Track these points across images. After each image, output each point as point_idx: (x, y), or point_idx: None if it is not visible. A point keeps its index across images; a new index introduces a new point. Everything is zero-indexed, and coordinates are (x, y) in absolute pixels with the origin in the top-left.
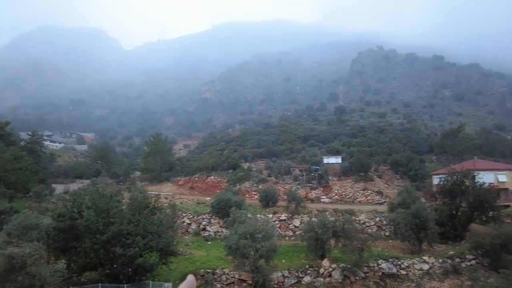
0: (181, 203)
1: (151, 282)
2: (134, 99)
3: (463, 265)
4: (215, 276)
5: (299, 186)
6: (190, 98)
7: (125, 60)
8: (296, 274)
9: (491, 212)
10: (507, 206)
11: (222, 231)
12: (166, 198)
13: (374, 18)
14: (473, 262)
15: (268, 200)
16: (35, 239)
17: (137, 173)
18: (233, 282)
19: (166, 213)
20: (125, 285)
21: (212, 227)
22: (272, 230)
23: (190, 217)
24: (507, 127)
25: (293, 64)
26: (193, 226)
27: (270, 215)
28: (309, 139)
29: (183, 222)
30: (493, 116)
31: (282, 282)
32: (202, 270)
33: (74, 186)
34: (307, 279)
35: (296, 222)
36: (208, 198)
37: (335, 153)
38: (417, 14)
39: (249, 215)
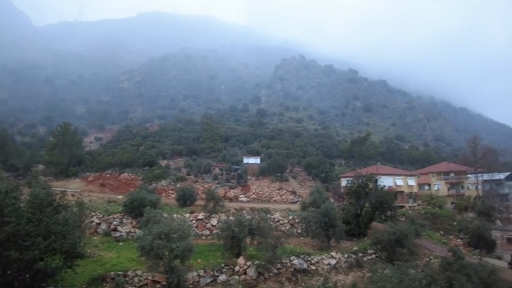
0: (90, 201)
1: None
2: (42, 83)
3: (365, 259)
4: (127, 279)
5: (218, 185)
6: (106, 87)
7: (34, 38)
8: (212, 273)
9: (389, 212)
10: (402, 207)
11: (135, 232)
12: (73, 195)
13: (299, 27)
14: (373, 256)
15: (185, 199)
16: None
17: (41, 167)
18: (146, 284)
19: (72, 212)
20: None
21: (124, 227)
22: (188, 229)
23: (100, 216)
24: (406, 138)
25: (219, 62)
26: (103, 226)
27: (187, 215)
28: (230, 139)
29: (92, 222)
30: (395, 127)
31: (197, 281)
32: (112, 272)
33: None
34: (222, 277)
35: (214, 221)
36: (120, 197)
37: (255, 153)
38: (338, 30)
39: (165, 215)
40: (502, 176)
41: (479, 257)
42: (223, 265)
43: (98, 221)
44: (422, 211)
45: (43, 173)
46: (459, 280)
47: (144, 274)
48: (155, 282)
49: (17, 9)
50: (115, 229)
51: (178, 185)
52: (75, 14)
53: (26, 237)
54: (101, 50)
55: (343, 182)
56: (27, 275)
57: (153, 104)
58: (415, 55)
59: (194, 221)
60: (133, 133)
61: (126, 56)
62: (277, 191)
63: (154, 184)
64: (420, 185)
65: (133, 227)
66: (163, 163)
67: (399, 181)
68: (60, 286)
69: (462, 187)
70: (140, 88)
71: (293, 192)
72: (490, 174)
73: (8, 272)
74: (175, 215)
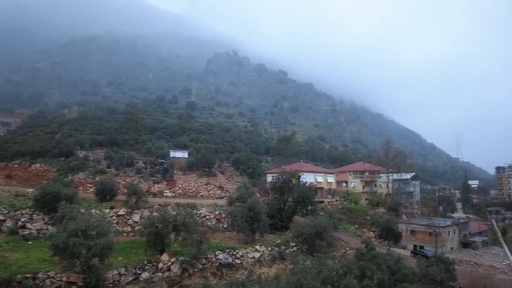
0: None
1: None
2: None
3: (287, 251)
4: (37, 282)
5: (141, 180)
6: (18, 66)
7: None
8: (134, 271)
9: (310, 207)
10: (322, 202)
11: (47, 229)
12: None
13: (233, 23)
14: (295, 248)
15: (105, 194)
16: None
17: None
18: (60, 286)
19: None
20: None
21: (35, 224)
22: (108, 226)
23: (5, 212)
24: (327, 138)
25: (148, 49)
26: (8, 223)
27: (107, 210)
28: (156, 131)
29: None
30: (318, 128)
31: (118, 280)
32: (19, 275)
33: None
34: (145, 275)
35: (136, 217)
36: (30, 190)
37: (183, 147)
38: (270, 30)
39: (82, 210)
40: (408, 176)
41: (387, 247)
42: (145, 262)
43: (3, 218)
44: (340, 206)
45: None
46: (371, 268)
47: (58, 275)
48: (70, 283)
49: None
50: (23, 226)
51: (97, 178)
52: None
53: None
54: (13, 23)
55: (269, 178)
56: None
57: (73, 89)
58: (340, 62)
59: (114, 217)
60: (48, 119)
61: (44, 33)
62: (204, 186)
63: (70, 177)
64: (338, 182)
65: (45, 223)
66: (81, 154)
67: (320, 178)
68: None
69: (375, 185)
70: (59, 70)
71: (221, 187)
72: (399, 174)
73: None
74: (93, 211)
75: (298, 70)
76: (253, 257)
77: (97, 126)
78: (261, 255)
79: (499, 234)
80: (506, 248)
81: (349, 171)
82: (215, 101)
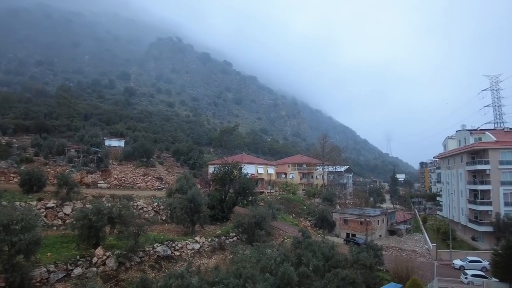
0: None
1: None
2: None
3: (227, 241)
4: None
5: (73, 169)
6: None
7: None
8: (65, 267)
9: (250, 197)
10: (262, 193)
11: None
12: None
13: (178, 8)
14: (235, 238)
15: (32, 185)
16: None
17: None
18: None
19: None
20: None
21: None
22: (35, 219)
23: None
24: (269, 131)
25: (85, 29)
26: None
27: (34, 202)
28: (91, 117)
29: None
30: (260, 121)
31: (46, 278)
32: None
33: None
34: (77, 271)
35: (67, 210)
36: None
37: (119, 136)
38: (216, 19)
39: (4, 203)
40: (342, 169)
41: (322, 235)
42: (78, 257)
43: None
44: (279, 197)
45: None
46: (307, 255)
47: None
48: None
49: None
50: None
51: (22, 168)
52: None
53: None
54: None
55: (211, 169)
56: None
57: None
58: (283, 57)
59: (42, 210)
60: None
61: None
62: (142, 177)
63: None
64: (278, 174)
65: None
66: (3, 140)
67: (261, 170)
68: None
69: (312, 177)
70: None
71: (160, 179)
72: (334, 167)
73: None
74: (17, 203)
75: (243, 62)
76: (193, 249)
77: (24, 110)
78: (200, 246)
79: (420, 222)
80: (425, 234)
81: (288, 163)
82: (155, 88)
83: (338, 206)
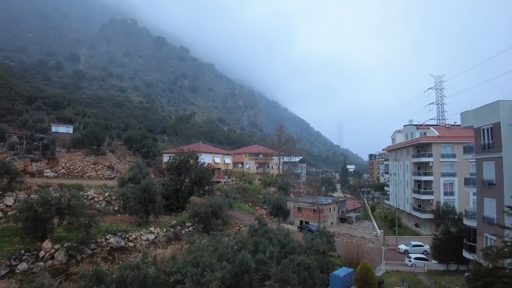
0: None
1: None
2: None
3: (183, 231)
4: None
5: (15, 157)
6: None
7: None
8: (8, 262)
9: (207, 187)
10: (219, 182)
11: None
12: None
13: None
14: (191, 228)
15: None
16: None
17: None
18: None
19: None
20: None
21: None
22: None
23: None
24: (226, 121)
25: (28, 4)
26: None
27: None
28: (35, 101)
29: None
30: (217, 110)
31: None
32: None
33: None
34: (22, 266)
35: (9, 201)
36: None
37: (67, 121)
38: (175, 4)
39: None
40: (297, 159)
41: (277, 223)
42: (23, 251)
43: None
44: (235, 186)
45: None
46: (263, 243)
47: None
48: None
49: None
50: None
51: None
52: None
53: None
54: None
55: (165, 158)
56: None
57: None
58: (241, 46)
59: None
60: None
61: None
62: (92, 165)
63: None
64: (235, 164)
65: None
66: None
67: (218, 159)
68: None
69: (268, 167)
70: None
71: (111, 167)
72: (289, 157)
73: None
74: None
75: (200, 49)
76: (148, 239)
77: None
78: (155, 237)
79: (369, 210)
80: (374, 222)
81: (245, 153)
82: (107, 72)
83: (292, 195)
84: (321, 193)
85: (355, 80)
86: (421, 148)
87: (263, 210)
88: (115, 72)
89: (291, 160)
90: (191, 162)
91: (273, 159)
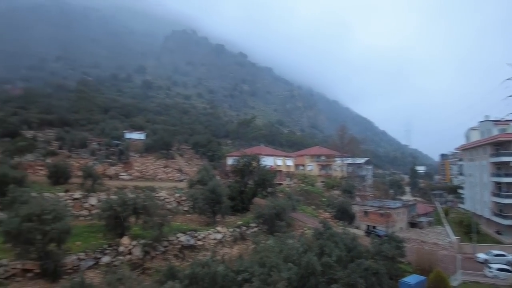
0: None
1: None
2: None
3: (248, 232)
4: None
5: (96, 162)
6: None
7: None
8: (94, 255)
9: (269, 189)
10: (280, 184)
11: None
12: None
13: (191, 1)
14: (255, 229)
15: (58, 176)
16: None
17: None
18: (14, 274)
19: None
20: None
21: None
22: (64, 209)
23: None
24: (285, 123)
25: (101, 23)
26: None
27: (61, 194)
28: (110, 111)
29: None
30: (276, 113)
31: (77, 265)
32: None
33: None
34: (106, 259)
35: (93, 201)
36: None
37: (139, 128)
38: (231, 10)
39: (34, 194)
40: (362, 160)
41: (342, 227)
42: (106, 246)
43: None
44: (298, 188)
45: None
46: (329, 246)
47: (12, 263)
48: (26, 270)
49: None
50: None
51: (48, 160)
52: None
53: None
54: None
55: (229, 161)
56: None
57: (16, 63)
58: (299, 48)
59: (70, 201)
60: None
61: None
62: (162, 169)
63: (18, 159)
64: (296, 166)
65: None
66: (29, 134)
67: (279, 162)
68: None
69: (331, 169)
70: None
71: (180, 170)
72: (353, 159)
73: None
74: (47, 194)
75: (258, 53)
76: (215, 239)
77: (46, 105)
78: (223, 237)
79: (442, 215)
80: (447, 227)
81: (307, 155)
82: (172, 81)
83: (358, 198)
84: (389, 196)
85: (421, 74)
86: (501, 146)
87: (326, 213)
88: (179, 80)
89: (355, 162)
90: (254, 165)
91: (336, 160)
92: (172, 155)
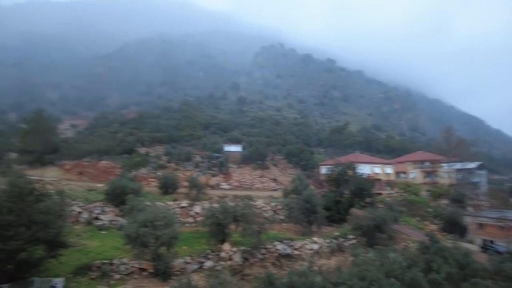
0: (69, 190)
1: (36, 279)
2: (10, 67)
3: (346, 244)
4: (113, 267)
5: (200, 173)
6: (80, 72)
7: (1, 17)
8: (198, 259)
9: (368, 199)
10: (380, 194)
11: (117, 220)
12: (51, 184)
13: (278, 16)
14: (354, 241)
15: (167, 187)
16: None
17: (14, 155)
18: (133, 272)
19: (54, 201)
20: (5, 285)
21: (106, 215)
22: (173, 217)
23: (81, 205)
24: (382, 127)
25: (197, 48)
26: (85, 215)
27: (170, 202)
28: (210, 127)
29: (73, 210)
30: (371, 117)
31: (184, 268)
32: (97, 261)
33: None
34: (209, 263)
35: (197, 209)
36: (100, 185)
37: (235, 141)
38: (316, 20)
39: (148, 203)
40: (473, 165)
41: (452, 241)
42: (209, 251)
43: (80, 210)
44: (399, 198)
45: (16, 161)
46: (437, 261)
47: (131, 262)
48: (142, 269)
49: None
50: (96, 218)
51: (159, 173)
52: None
53: (8, 227)
54: (72, 33)
55: (323, 170)
56: (10, 266)
57: (130, 90)
58: (391, 46)
59: (177, 209)
60: (109, 119)
61: (100, 40)
62: (258, 178)
63: (134, 172)
64: (397, 173)
65: (116, 215)
66: (142, 150)
67: (377, 169)
68: (44, 276)
69: (437, 176)
70: (116, 74)
71: (274, 180)
72: (463, 164)
73: None
74: (158, 203)
75: (347, 57)
76: (312, 249)
77: (155, 124)
78: (319, 247)
79: None
80: None
81: (408, 162)
82: (263, 95)
83: (470, 208)
84: (509, 206)
85: None
86: None
87: (433, 226)
88: (270, 93)
89: (465, 167)
90: (349, 173)
91: (443, 166)
92: (267, 166)
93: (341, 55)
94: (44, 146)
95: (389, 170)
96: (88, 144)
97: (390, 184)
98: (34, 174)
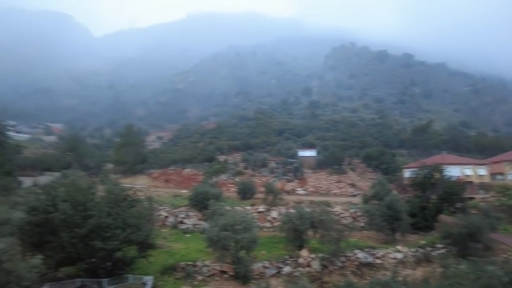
0: (157, 196)
1: (130, 276)
2: (105, 89)
3: (434, 253)
4: (196, 269)
5: (275, 179)
6: (163, 89)
7: (94, 47)
8: (276, 264)
9: (458, 204)
10: (472, 198)
11: (200, 224)
12: (141, 190)
13: (347, 14)
14: (443, 250)
15: (245, 192)
16: (8, 235)
17: (110, 165)
18: (214, 274)
19: (144, 206)
20: (104, 279)
21: (190, 219)
22: (252, 221)
23: (167, 210)
24: (471, 124)
25: (267, 57)
26: (171, 219)
27: (248, 207)
28: (284, 133)
29: (160, 215)
30: (458, 113)
31: (262, 272)
32: (182, 262)
33: (43, 179)
34: (287, 269)
35: (274, 214)
36: (184, 191)
37: (310, 146)
38: (389, 14)
39: (228, 208)
40: None
41: None
42: (286, 257)
43: (166, 214)
44: (497, 203)
45: (112, 171)
46: None
47: (212, 264)
48: (223, 272)
49: (77, 23)
50: (181, 222)
51: (237, 179)
52: (129, 22)
53: (107, 229)
54: (155, 54)
55: (407, 174)
56: (109, 263)
57: (208, 103)
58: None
59: (255, 214)
60: (191, 131)
61: (179, 58)
62: (335, 184)
63: (214, 178)
64: (492, 175)
65: (199, 219)
66: (222, 158)
67: (468, 171)
68: (137, 274)
69: None
70: (194, 88)
71: (353, 185)
72: None
73: (93, 260)
74: (237, 208)
75: (426, 50)
76: (395, 258)
77: (232, 133)
78: (404, 256)
79: None
80: None
81: (506, 161)
82: (337, 97)
83: None
84: None
85: None
86: None
87: None
88: (344, 95)
89: None
90: (436, 176)
91: None
92: (344, 170)
93: (419, 48)
94: (134, 157)
95: (482, 171)
96: (172, 154)
97: (484, 187)
98: (127, 182)
